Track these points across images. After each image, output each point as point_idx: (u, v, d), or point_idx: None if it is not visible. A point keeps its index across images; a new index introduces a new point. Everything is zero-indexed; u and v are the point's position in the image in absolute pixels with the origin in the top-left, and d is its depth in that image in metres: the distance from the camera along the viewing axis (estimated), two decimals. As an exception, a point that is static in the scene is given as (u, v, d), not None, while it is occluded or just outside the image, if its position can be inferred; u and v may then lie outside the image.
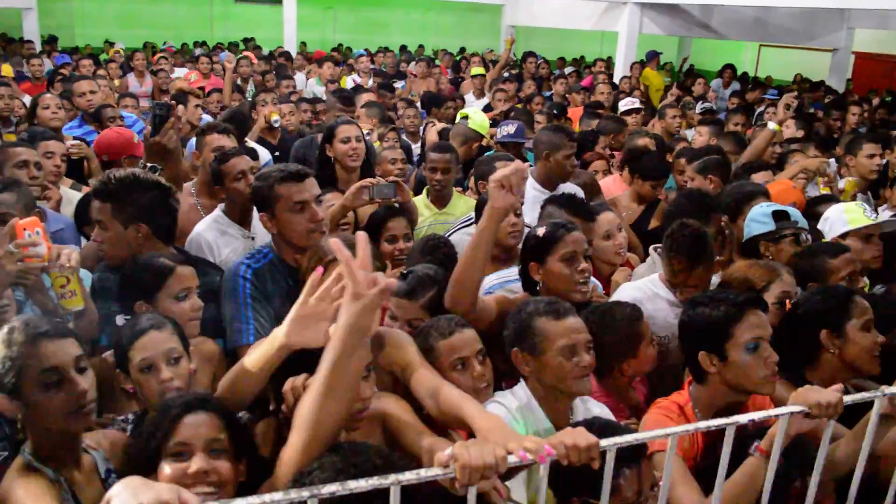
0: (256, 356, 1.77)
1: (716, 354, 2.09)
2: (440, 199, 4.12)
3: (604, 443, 1.49)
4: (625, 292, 3.00)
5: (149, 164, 3.29)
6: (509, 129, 5.00)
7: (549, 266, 2.64)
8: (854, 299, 2.38)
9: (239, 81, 8.43)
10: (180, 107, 5.15)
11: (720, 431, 1.92)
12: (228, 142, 3.85)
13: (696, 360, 2.13)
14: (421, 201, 4.08)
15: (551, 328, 2.16)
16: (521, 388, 2.23)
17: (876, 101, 10.27)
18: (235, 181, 3.33)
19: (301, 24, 14.42)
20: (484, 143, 5.38)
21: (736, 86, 11.14)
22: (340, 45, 16.60)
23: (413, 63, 10.04)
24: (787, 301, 2.61)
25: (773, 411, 1.65)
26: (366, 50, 11.80)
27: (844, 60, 13.74)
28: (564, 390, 2.16)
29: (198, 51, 14.31)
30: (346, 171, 3.98)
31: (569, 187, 4.02)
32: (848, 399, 1.68)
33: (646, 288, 2.99)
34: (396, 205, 3.44)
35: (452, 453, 1.38)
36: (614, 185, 4.78)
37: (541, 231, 2.67)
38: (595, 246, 3.32)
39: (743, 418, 1.61)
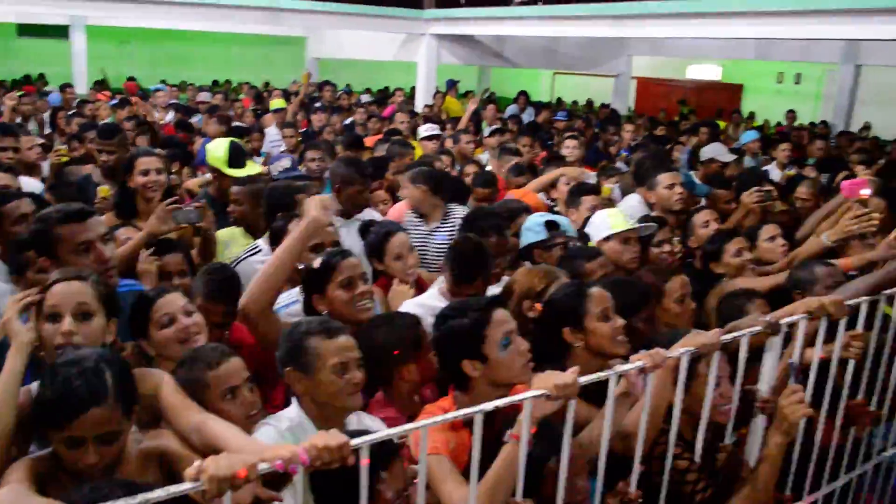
0: None
1: (477, 359, 2.20)
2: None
3: (355, 441, 1.56)
4: (407, 308, 3.10)
5: None
6: (284, 163, 5.07)
7: (330, 294, 2.73)
8: (588, 293, 2.55)
9: (19, 120, 7.91)
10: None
11: (490, 430, 2.07)
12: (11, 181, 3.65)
13: (457, 369, 2.23)
14: (240, 232, 4.06)
15: (323, 347, 2.21)
16: (294, 408, 2.25)
17: (639, 122, 11.14)
18: (16, 224, 3.15)
19: (93, 59, 13.76)
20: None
21: (531, 111, 11.83)
22: (133, 78, 15.94)
23: (205, 94, 9.86)
24: (534, 304, 2.80)
25: (516, 397, 1.79)
26: (163, 82, 11.45)
27: (625, 85, 15.01)
28: (338, 406, 2.22)
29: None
30: (147, 202, 3.88)
31: (368, 213, 4.15)
32: (582, 380, 1.86)
33: (428, 303, 3.11)
34: (203, 227, 3.43)
35: (201, 466, 1.40)
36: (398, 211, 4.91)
37: (316, 263, 2.74)
38: (386, 265, 3.46)
39: (489, 406, 1.73)
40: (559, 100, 15.99)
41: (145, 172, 3.83)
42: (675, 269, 3.46)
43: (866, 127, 12.76)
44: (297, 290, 2.96)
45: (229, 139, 4.51)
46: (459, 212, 4.33)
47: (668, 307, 3.12)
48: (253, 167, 4.48)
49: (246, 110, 10.03)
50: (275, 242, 3.53)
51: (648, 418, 2.14)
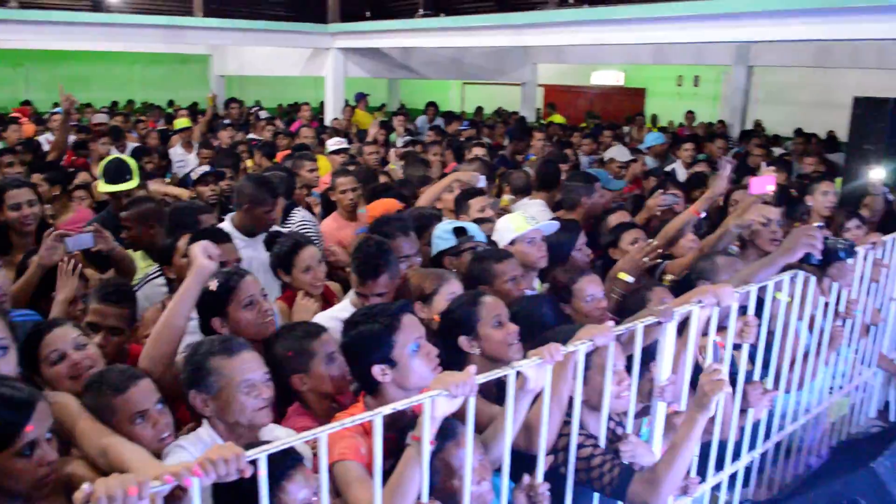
0: None
1: (387, 364, 2.21)
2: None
3: (251, 452, 1.54)
4: (321, 321, 3.08)
5: None
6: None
7: (233, 316, 2.70)
8: (481, 301, 2.62)
9: None
10: None
11: (401, 436, 2.07)
12: None
13: (367, 375, 2.23)
14: (139, 255, 3.97)
15: (226, 366, 2.18)
16: (205, 430, 2.22)
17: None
18: None
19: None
20: None
21: (440, 121, 11.91)
22: (28, 101, 15.36)
23: (102, 116, 9.61)
24: (432, 313, 2.85)
25: (416, 397, 1.80)
26: (55, 104, 11.07)
27: (532, 92, 15.30)
28: (246, 424, 2.19)
29: None
30: (20, 236, 3.74)
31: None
32: (480, 378, 1.89)
33: (340, 316, 3.08)
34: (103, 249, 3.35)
35: (90, 488, 1.36)
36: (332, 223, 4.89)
37: (213, 285, 2.68)
38: (294, 277, 3.43)
39: (387, 409, 1.75)
40: (463, 112, 16.19)
41: (16, 207, 3.70)
42: (586, 269, 3.55)
43: (758, 125, 13.35)
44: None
45: (113, 156, 4.50)
46: None
47: (579, 307, 3.20)
48: (131, 183, 4.53)
49: (151, 130, 9.80)
50: (162, 261, 3.46)
51: (550, 412, 2.18)
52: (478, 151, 6.69)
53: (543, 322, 2.74)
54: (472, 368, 1.88)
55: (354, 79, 13.06)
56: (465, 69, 14.56)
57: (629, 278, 3.52)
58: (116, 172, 4.51)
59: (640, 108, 18.30)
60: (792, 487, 3.46)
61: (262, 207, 3.92)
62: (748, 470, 3.25)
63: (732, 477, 3.14)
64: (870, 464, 2.94)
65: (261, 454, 1.54)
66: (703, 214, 4.05)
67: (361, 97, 12.70)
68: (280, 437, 2.23)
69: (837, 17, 6.93)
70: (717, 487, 3.05)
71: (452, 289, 2.95)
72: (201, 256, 2.49)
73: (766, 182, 3.81)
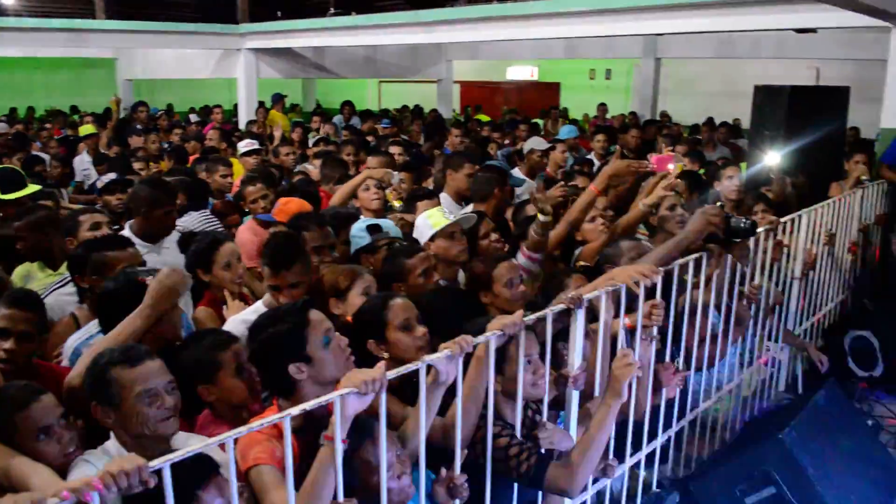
0: None
1: (301, 361, 2.18)
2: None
3: (155, 462, 1.49)
4: (231, 325, 3.02)
5: None
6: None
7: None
8: (389, 304, 2.59)
9: None
10: None
11: (313, 437, 2.04)
12: None
13: (282, 376, 2.19)
14: (37, 266, 3.77)
15: (127, 376, 2.12)
16: (112, 442, 2.15)
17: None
18: None
19: None
20: None
21: (357, 120, 11.85)
22: None
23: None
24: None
25: (326, 397, 1.78)
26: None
27: (448, 89, 15.37)
28: (152, 435, 2.13)
29: None
30: None
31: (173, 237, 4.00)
32: (390, 374, 1.88)
33: (250, 318, 3.03)
34: None
35: None
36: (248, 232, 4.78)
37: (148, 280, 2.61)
38: (214, 275, 3.37)
39: (295, 410, 1.72)
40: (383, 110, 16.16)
41: None
42: (503, 256, 3.57)
43: (665, 115, 13.74)
44: (94, 323, 2.81)
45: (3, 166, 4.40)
46: None
47: (499, 292, 3.22)
48: (25, 191, 4.43)
49: (52, 138, 9.44)
50: (74, 271, 3.33)
51: (466, 405, 2.19)
52: (394, 150, 6.69)
53: (450, 314, 2.74)
54: (381, 364, 1.87)
55: (267, 80, 12.87)
56: (381, 67, 14.52)
57: (544, 218, 3.55)
58: (7, 181, 4.37)
59: (555, 101, 18.59)
60: (708, 462, 3.57)
61: (160, 209, 3.82)
62: (665, 448, 3.34)
63: (650, 455, 3.21)
64: (778, 435, 3.05)
65: (164, 464, 1.50)
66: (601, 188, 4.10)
67: (279, 98, 12.52)
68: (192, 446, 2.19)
69: (738, 9, 7.21)
70: (636, 466, 3.12)
71: (366, 284, 2.94)
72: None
73: (667, 160, 3.92)
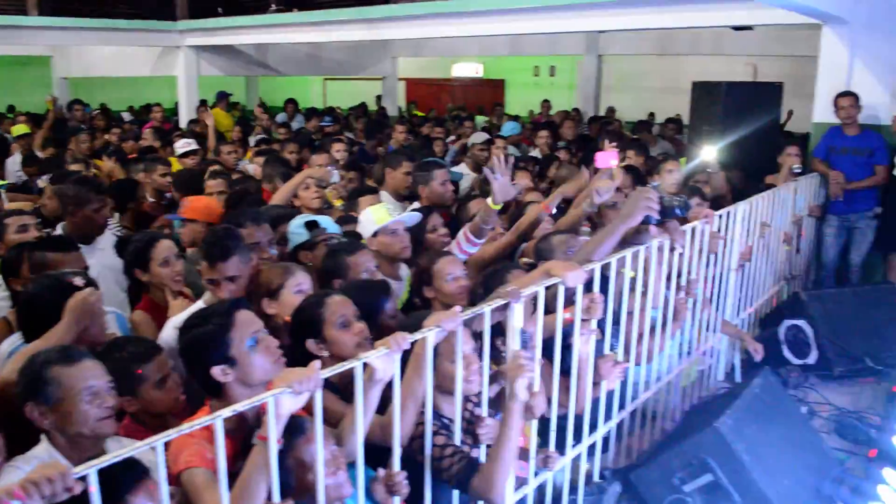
0: None
1: (226, 364, 2.15)
2: None
3: (80, 468, 1.46)
4: (167, 333, 2.96)
5: None
6: None
7: None
8: (325, 302, 2.57)
9: None
10: None
11: (246, 438, 2.02)
12: None
13: (207, 378, 2.16)
14: None
15: (66, 374, 2.09)
16: (43, 446, 2.11)
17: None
18: None
19: None
20: None
21: (301, 118, 11.74)
22: None
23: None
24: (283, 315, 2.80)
25: (259, 397, 1.76)
26: None
27: (393, 86, 15.32)
28: (90, 435, 2.10)
29: None
30: None
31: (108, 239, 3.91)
32: (324, 373, 1.86)
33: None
34: None
35: None
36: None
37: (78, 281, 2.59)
38: (153, 273, 3.31)
39: (226, 411, 1.69)
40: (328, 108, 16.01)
41: None
42: (446, 252, 3.58)
43: (611, 110, 13.93)
44: (17, 335, 2.74)
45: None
46: None
47: (441, 287, 3.22)
48: None
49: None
50: (8, 273, 3.25)
51: (405, 401, 2.19)
52: (337, 147, 6.65)
53: (375, 309, 2.74)
54: (315, 364, 1.85)
55: (209, 77, 12.65)
56: (325, 65, 14.41)
57: (496, 206, 3.59)
58: None
59: (500, 98, 18.70)
60: (648, 452, 3.63)
61: (88, 207, 3.75)
62: (607, 439, 3.38)
63: (592, 447, 3.25)
64: (713, 423, 3.11)
65: (90, 470, 1.46)
66: (554, 211, 4.15)
67: (224, 97, 12.32)
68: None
69: (677, 7, 7.34)
70: (578, 458, 3.16)
71: (298, 281, 2.90)
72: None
73: (609, 156, 3.97)
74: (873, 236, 6.12)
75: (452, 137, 9.38)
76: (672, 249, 3.41)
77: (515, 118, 11.91)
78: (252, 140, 8.14)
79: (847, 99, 5.95)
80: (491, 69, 19.80)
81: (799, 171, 5.73)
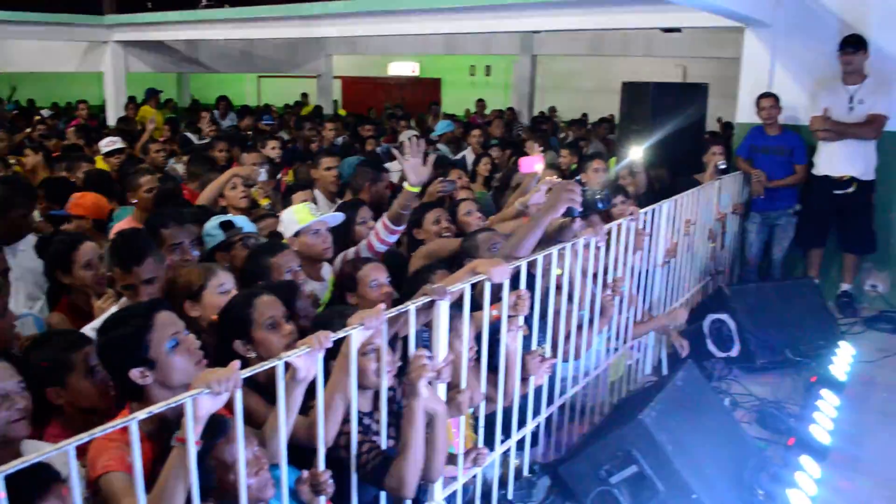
0: None
1: (144, 366, 2.10)
2: None
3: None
4: (86, 331, 2.88)
5: None
6: None
7: None
8: (253, 302, 2.52)
9: None
10: None
11: (166, 440, 1.98)
12: None
13: (126, 381, 2.11)
14: None
15: None
16: None
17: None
18: None
19: None
20: None
21: (233, 116, 11.55)
22: None
23: None
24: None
25: (176, 398, 1.73)
26: None
27: (328, 84, 15.21)
28: (1, 439, 2.04)
29: None
30: None
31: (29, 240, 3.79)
32: (244, 373, 1.84)
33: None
34: None
35: None
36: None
37: None
38: (75, 275, 3.23)
39: (141, 413, 1.66)
40: (261, 105, 15.80)
41: None
42: (368, 258, 3.56)
43: (552, 110, 14.13)
44: None
45: None
46: None
47: (365, 293, 3.21)
48: None
49: None
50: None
51: (330, 400, 2.18)
52: (271, 144, 6.60)
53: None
54: (235, 363, 1.82)
55: (137, 74, 12.35)
56: (259, 62, 14.23)
57: (413, 189, 3.60)
58: None
59: (436, 97, 18.74)
60: (577, 445, 3.68)
61: (15, 211, 3.63)
62: (536, 434, 3.43)
63: (521, 442, 3.29)
64: (638, 416, 3.18)
65: (-5, 476, 1.41)
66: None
67: (154, 94, 12.03)
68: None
69: (608, 8, 7.49)
70: (508, 452, 3.19)
71: (221, 281, 2.85)
72: None
73: (534, 161, 4.03)
74: (794, 233, 6.34)
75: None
76: (598, 247, 3.48)
77: (451, 117, 11.97)
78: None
79: (768, 100, 6.15)
80: (427, 68, 19.84)
81: (724, 167, 5.90)
